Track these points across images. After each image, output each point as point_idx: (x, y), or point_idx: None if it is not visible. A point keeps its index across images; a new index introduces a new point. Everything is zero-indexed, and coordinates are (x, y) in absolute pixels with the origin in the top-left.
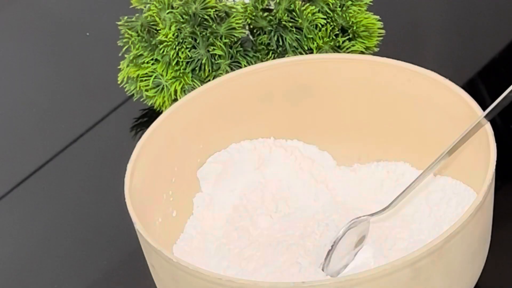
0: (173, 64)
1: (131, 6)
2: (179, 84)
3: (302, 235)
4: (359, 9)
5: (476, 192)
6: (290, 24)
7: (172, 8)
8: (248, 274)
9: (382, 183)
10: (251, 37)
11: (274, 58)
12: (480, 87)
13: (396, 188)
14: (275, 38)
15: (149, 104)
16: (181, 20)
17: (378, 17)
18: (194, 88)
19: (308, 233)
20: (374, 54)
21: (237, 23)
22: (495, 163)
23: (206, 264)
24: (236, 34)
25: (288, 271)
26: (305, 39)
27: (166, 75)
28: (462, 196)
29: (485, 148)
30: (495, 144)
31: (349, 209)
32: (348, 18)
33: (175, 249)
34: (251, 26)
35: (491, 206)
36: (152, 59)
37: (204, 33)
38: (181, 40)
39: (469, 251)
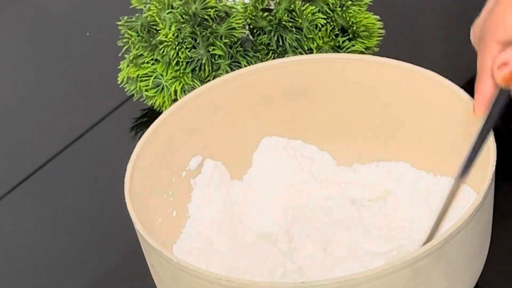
0: (173, 64)
1: (131, 6)
2: (179, 84)
3: (302, 235)
4: (359, 9)
5: (476, 192)
6: (290, 24)
7: (172, 8)
8: (248, 273)
9: (382, 183)
10: (251, 37)
11: (274, 58)
12: None
13: (396, 188)
14: (275, 38)
15: (149, 104)
16: (181, 20)
17: (378, 17)
18: (194, 88)
19: (308, 233)
20: (374, 54)
21: (237, 23)
22: (495, 163)
23: (206, 264)
24: (236, 34)
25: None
26: (305, 39)
27: (166, 75)
28: (462, 196)
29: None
30: (495, 144)
31: (349, 209)
32: (348, 18)
33: (175, 249)
34: (251, 26)
35: (491, 206)
36: (152, 59)
37: (204, 33)
38: (181, 40)
39: (469, 251)
